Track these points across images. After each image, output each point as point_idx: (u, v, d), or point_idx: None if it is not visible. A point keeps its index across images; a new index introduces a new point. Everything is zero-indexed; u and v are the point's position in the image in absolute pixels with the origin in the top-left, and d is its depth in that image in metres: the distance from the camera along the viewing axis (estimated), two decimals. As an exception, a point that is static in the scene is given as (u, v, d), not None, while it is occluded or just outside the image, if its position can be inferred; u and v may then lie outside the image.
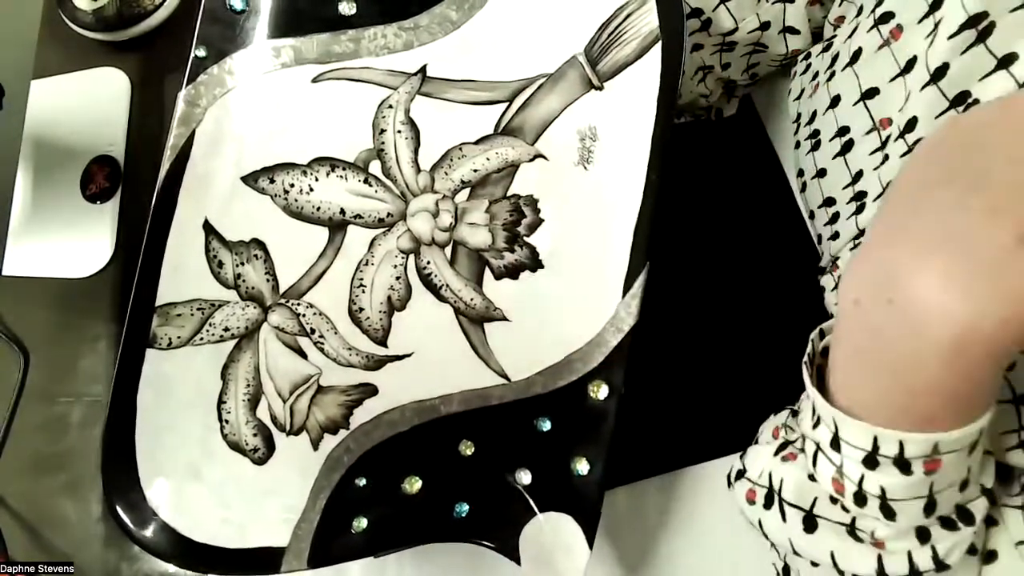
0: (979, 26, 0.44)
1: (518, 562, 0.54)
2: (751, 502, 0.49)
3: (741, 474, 0.51)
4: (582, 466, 0.55)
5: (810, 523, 0.45)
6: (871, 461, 0.39)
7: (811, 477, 0.45)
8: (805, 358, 0.44)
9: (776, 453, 0.48)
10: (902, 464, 0.38)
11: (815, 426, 0.43)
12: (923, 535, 0.41)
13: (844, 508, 0.43)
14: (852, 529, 0.43)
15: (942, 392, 0.36)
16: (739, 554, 0.63)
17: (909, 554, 0.41)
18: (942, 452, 0.37)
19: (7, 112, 0.77)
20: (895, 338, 0.35)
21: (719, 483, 0.55)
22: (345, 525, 0.56)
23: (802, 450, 0.46)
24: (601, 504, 0.54)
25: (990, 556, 0.44)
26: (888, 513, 0.40)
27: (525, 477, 0.56)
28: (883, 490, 0.39)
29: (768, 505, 0.48)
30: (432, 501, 0.56)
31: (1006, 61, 0.44)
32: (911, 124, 0.51)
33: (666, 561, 0.65)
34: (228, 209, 0.58)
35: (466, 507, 0.56)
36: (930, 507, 0.40)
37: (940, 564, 0.41)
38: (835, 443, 0.41)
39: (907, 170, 0.37)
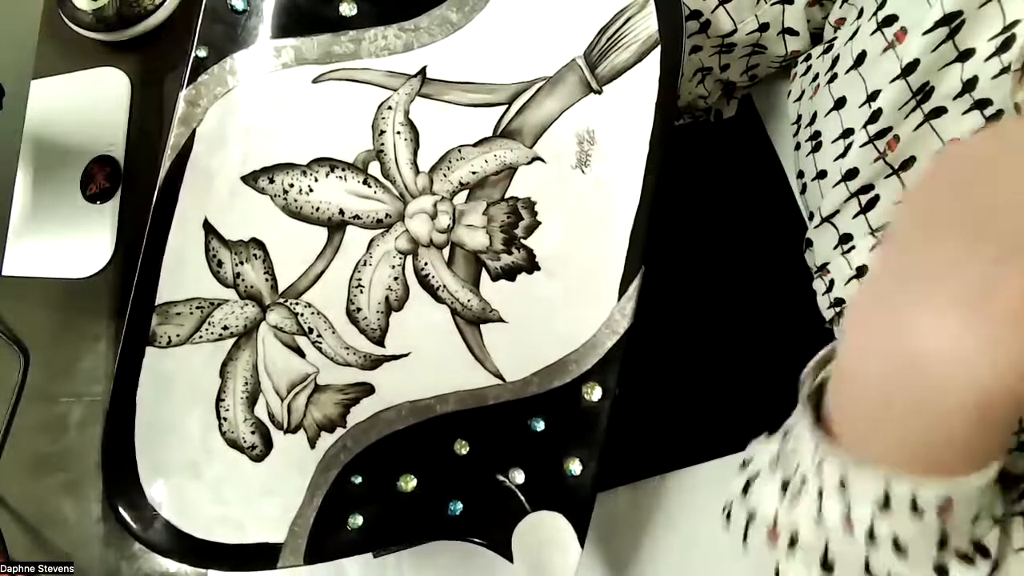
0: (952, 24, 0.45)
1: (511, 559, 0.55)
2: (772, 543, 0.46)
3: (752, 516, 0.48)
4: (575, 466, 0.55)
5: (826, 565, 0.43)
6: (883, 506, 0.38)
7: (819, 520, 0.43)
8: (803, 398, 0.43)
9: (783, 493, 0.46)
10: (915, 508, 0.37)
11: (819, 466, 0.41)
12: (942, 572, 0.41)
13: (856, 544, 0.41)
14: (868, 567, 0.42)
15: (962, 445, 0.35)
16: (737, 554, 0.63)
17: None
18: (955, 502, 0.37)
19: (7, 112, 0.77)
20: (913, 394, 0.34)
21: (717, 484, 0.55)
22: (341, 522, 0.56)
23: (804, 486, 0.43)
24: (593, 504, 0.54)
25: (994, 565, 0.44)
26: (900, 550, 0.39)
27: (519, 476, 0.56)
28: (895, 533, 0.39)
29: (792, 547, 0.45)
30: (427, 499, 0.57)
31: (964, 56, 0.46)
32: (875, 116, 0.51)
33: (664, 561, 0.65)
34: (228, 208, 0.58)
35: (460, 505, 0.56)
36: (943, 543, 0.39)
37: None
38: (842, 484, 0.39)
39: (908, 209, 0.36)
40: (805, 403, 0.43)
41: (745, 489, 0.50)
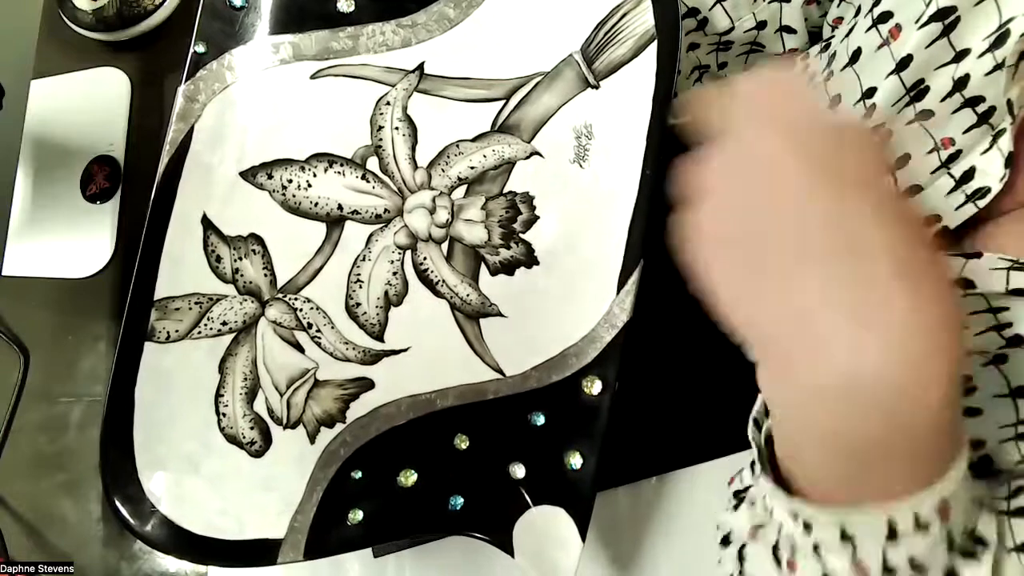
0: (946, 20, 0.45)
1: (512, 554, 0.55)
2: None
3: None
4: (575, 460, 0.55)
5: None
6: (889, 537, 0.37)
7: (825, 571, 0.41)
8: (756, 460, 0.42)
9: (779, 564, 0.44)
10: (919, 525, 0.37)
11: (806, 529, 0.40)
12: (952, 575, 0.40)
13: None
14: None
15: (934, 448, 0.36)
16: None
17: None
18: (949, 499, 0.37)
19: (7, 112, 0.78)
20: (879, 426, 0.34)
21: (717, 483, 0.55)
22: (341, 517, 0.56)
23: (795, 550, 0.42)
24: (594, 498, 0.54)
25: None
26: (917, 568, 0.39)
27: (519, 471, 0.56)
28: (911, 558, 0.38)
29: None
30: (427, 494, 0.57)
31: (960, 56, 0.46)
32: (869, 112, 0.51)
33: (664, 560, 0.65)
34: (226, 204, 0.58)
35: (461, 500, 0.56)
36: (950, 543, 0.39)
37: None
38: (845, 537, 0.38)
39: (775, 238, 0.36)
40: (765, 465, 0.42)
41: (740, 562, 0.49)
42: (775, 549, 0.45)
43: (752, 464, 0.42)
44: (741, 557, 0.49)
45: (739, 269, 0.36)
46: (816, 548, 0.40)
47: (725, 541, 0.51)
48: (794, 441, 0.39)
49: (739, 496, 0.51)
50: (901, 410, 0.33)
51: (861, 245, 0.33)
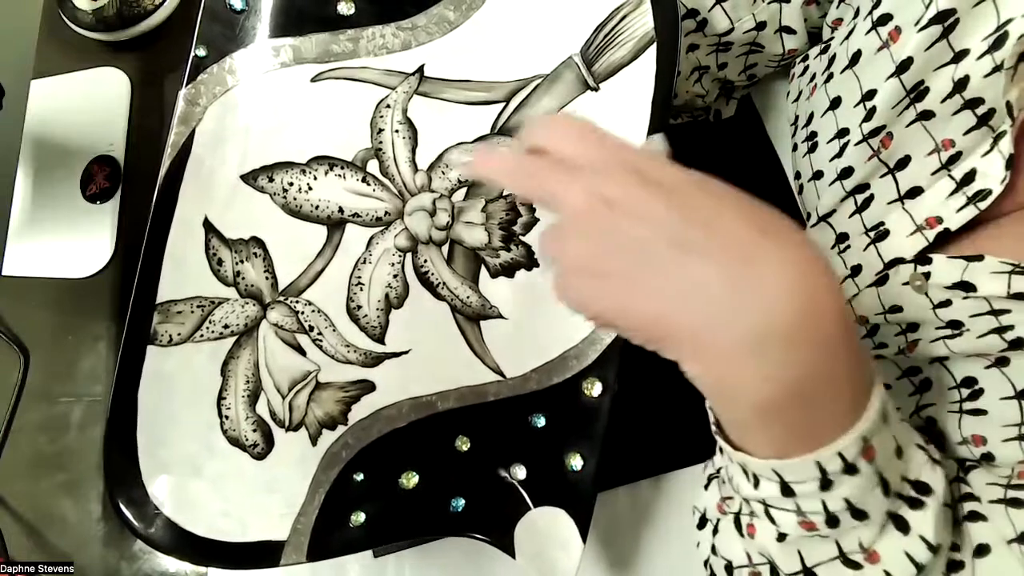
0: (946, 22, 0.45)
1: (513, 555, 0.55)
2: None
3: (730, 567, 0.50)
4: (576, 462, 0.55)
5: (810, 573, 0.45)
6: (825, 483, 0.40)
7: (781, 536, 0.45)
8: (712, 427, 0.45)
9: (740, 533, 0.48)
10: (850, 469, 0.39)
11: (756, 486, 0.43)
12: (902, 525, 0.43)
13: (823, 537, 0.43)
14: (845, 558, 0.43)
15: (847, 389, 0.39)
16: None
17: (907, 554, 0.42)
18: (871, 439, 0.39)
19: (7, 112, 0.77)
20: (791, 370, 0.37)
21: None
22: (343, 519, 0.56)
23: (753, 514, 0.46)
24: (595, 499, 0.55)
25: (982, 550, 0.45)
26: (860, 515, 0.41)
27: (520, 472, 0.57)
28: (847, 500, 0.40)
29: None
30: (428, 496, 0.57)
31: (959, 56, 0.46)
32: (870, 114, 0.52)
33: (664, 561, 0.65)
34: (228, 207, 0.58)
35: (462, 502, 0.57)
36: (885, 486, 0.41)
37: (934, 547, 0.42)
38: (785, 489, 0.41)
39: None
40: (717, 433, 0.45)
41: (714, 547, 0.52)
42: (737, 518, 0.48)
43: (720, 448, 0.45)
44: (715, 533, 0.52)
45: (623, 284, 0.39)
46: (767, 509, 0.43)
47: (701, 523, 0.54)
48: (728, 413, 0.42)
49: (711, 479, 0.53)
50: (803, 346, 0.36)
51: (718, 223, 0.38)
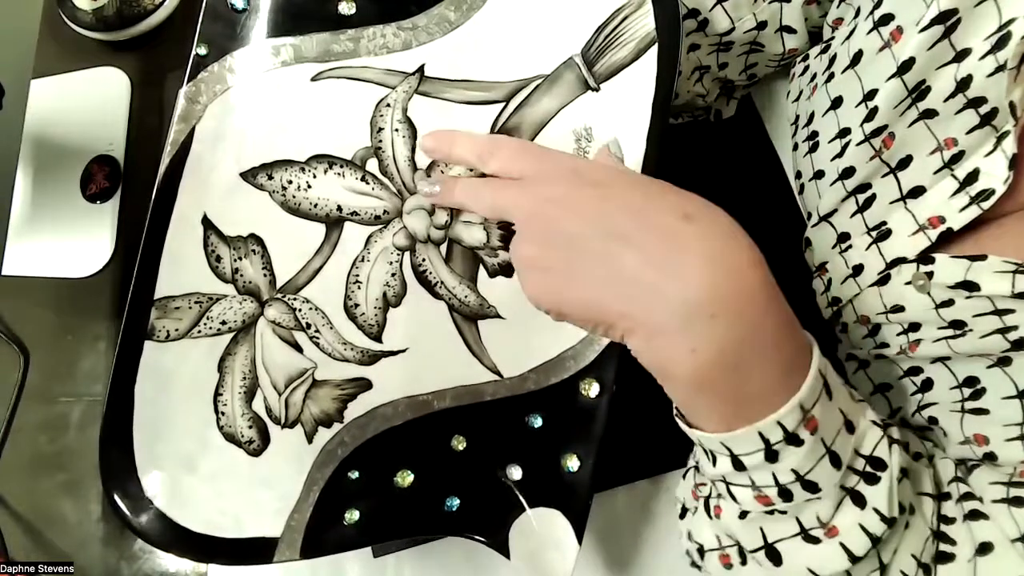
0: (947, 22, 0.45)
1: (508, 556, 0.55)
2: (728, 566, 0.51)
3: (702, 550, 0.53)
4: (572, 463, 0.55)
5: (773, 554, 0.46)
6: (771, 454, 0.42)
7: (743, 514, 0.47)
8: (674, 411, 0.47)
9: (709, 515, 0.50)
10: (793, 439, 0.41)
11: (714, 463, 0.45)
12: (858, 499, 0.44)
13: (782, 512, 0.44)
14: (806, 534, 0.45)
15: (781, 355, 0.42)
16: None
17: (861, 526, 0.44)
18: (809, 408, 0.41)
19: (7, 112, 0.77)
20: (725, 336, 0.40)
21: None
22: (338, 517, 0.56)
23: (720, 496, 0.48)
24: (591, 501, 0.54)
25: (985, 548, 0.45)
26: (811, 487, 0.43)
27: (516, 473, 0.56)
28: (795, 471, 0.42)
29: (744, 561, 0.49)
30: (424, 495, 0.57)
31: (961, 56, 0.46)
32: (871, 114, 0.52)
33: (663, 560, 0.65)
34: (227, 204, 0.58)
35: (457, 501, 0.57)
36: (835, 459, 0.43)
37: (888, 520, 0.44)
38: (736, 463, 0.43)
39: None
40: (677, 416, 0.47)
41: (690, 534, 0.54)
42: (707, 502, 0.51)
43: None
44: (686, 518, 0.55)
45: (562, 275, 0.44)
46: (728, 487, 0.46)
47: (683, 513, 0.56)
48: (672, 390, 0.45)
49: (690, 469, 0.56)
50: (724, 318, 0.40)
51: (646, 214, 0.42)
